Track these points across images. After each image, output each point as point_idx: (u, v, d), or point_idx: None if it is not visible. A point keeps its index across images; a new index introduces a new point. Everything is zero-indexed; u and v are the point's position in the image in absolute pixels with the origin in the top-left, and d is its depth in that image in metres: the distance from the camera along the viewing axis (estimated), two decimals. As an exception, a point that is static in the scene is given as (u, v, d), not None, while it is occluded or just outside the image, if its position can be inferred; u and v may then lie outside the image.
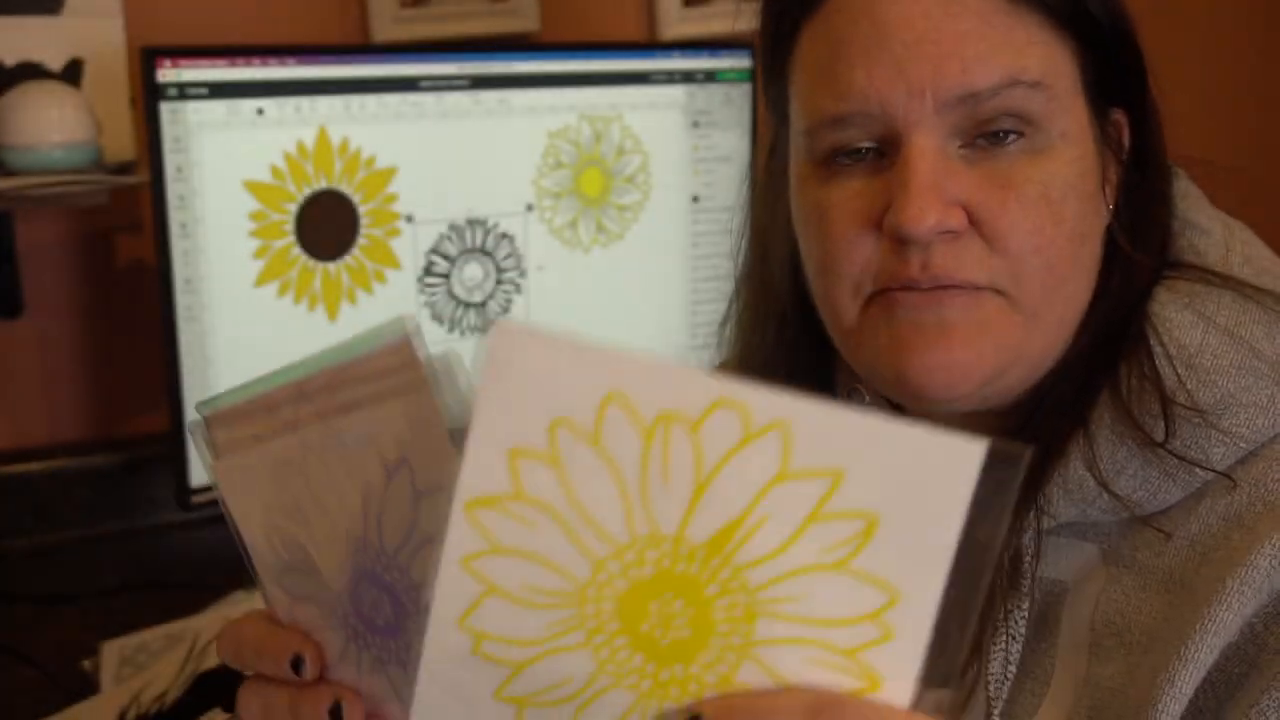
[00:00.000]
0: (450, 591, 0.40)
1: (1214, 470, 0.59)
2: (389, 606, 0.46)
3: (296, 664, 0.48)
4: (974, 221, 0.60)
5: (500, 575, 0.40)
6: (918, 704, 0.39)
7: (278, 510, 0.49)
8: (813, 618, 0.39)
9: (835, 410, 0.37)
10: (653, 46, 1.62)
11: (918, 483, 0.37)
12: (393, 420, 0.44)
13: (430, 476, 0.43)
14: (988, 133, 0.60)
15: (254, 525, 0.50)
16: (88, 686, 1.12)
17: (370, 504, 0.46)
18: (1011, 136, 0.60)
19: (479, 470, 0.39)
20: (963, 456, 0.36)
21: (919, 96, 0.59)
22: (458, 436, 0.40)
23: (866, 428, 0.37)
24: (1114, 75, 0.64)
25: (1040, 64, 0.60)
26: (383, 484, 0.45)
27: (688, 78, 1.49)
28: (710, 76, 1.50)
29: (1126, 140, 0.66)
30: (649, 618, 0.40)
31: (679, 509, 0.38)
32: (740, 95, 1.50)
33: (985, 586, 0.38)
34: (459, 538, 0.39)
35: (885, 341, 0.62)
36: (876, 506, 0.37)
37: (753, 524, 0.38)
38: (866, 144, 0.61)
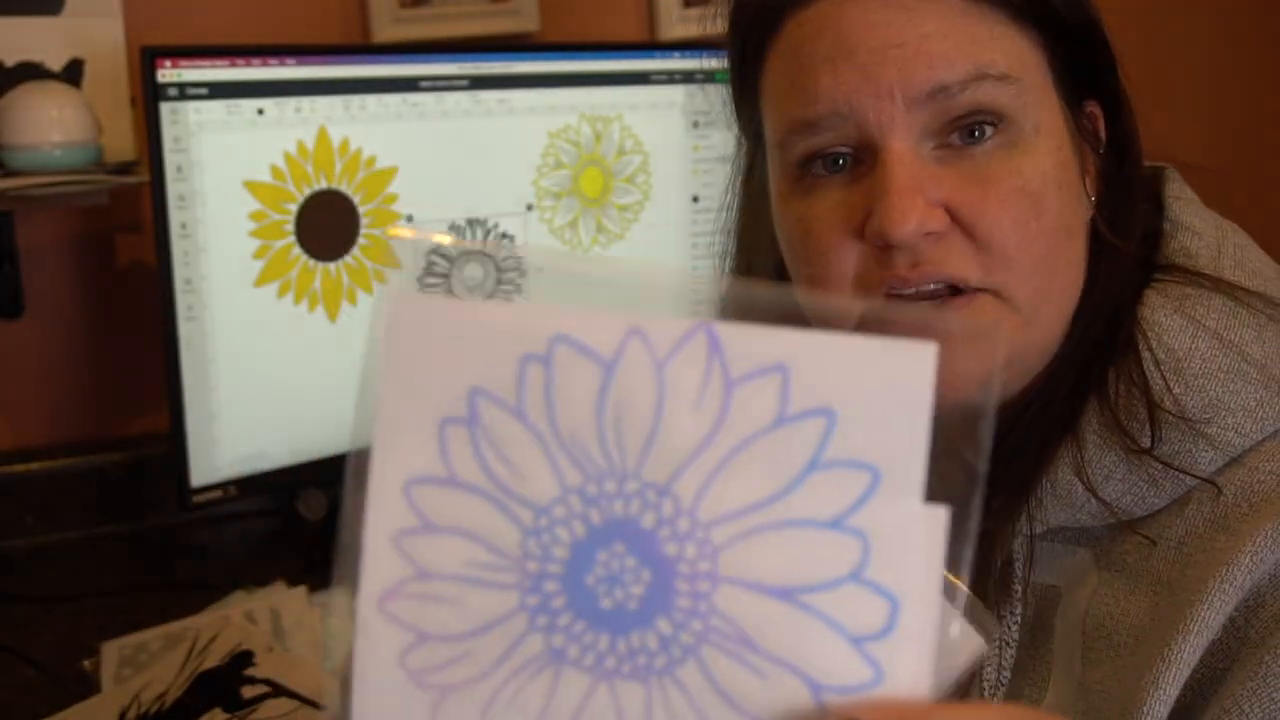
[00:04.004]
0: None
1: (1200, 478, 0.59)
2: (644, 573, 0.39)
3: None
4: (956, 221, 0.60)
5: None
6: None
7: (479, 377, 0.39)
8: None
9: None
10: (653, 46, 1.62)
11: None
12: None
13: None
14: (962, 129, 0.60)
15: (410, 400, 0.40)
16: (88, 686, 1.12)
17: (605, 394, 0.39)
18: (986, 131, 0.60)
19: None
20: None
21: (888, 98, 0.59)
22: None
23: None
24: (1083, 67, 0.64)
25: (1006, 58, 0.60)
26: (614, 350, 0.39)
27: (688, 78, 1.49)
28: (710, 76, 1.50)
29: (1103, 131, 0.67)
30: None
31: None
32: (740, 95, 1.50)
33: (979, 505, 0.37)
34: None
35: None
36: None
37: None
38: (840, 149, 0.61)
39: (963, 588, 0.39)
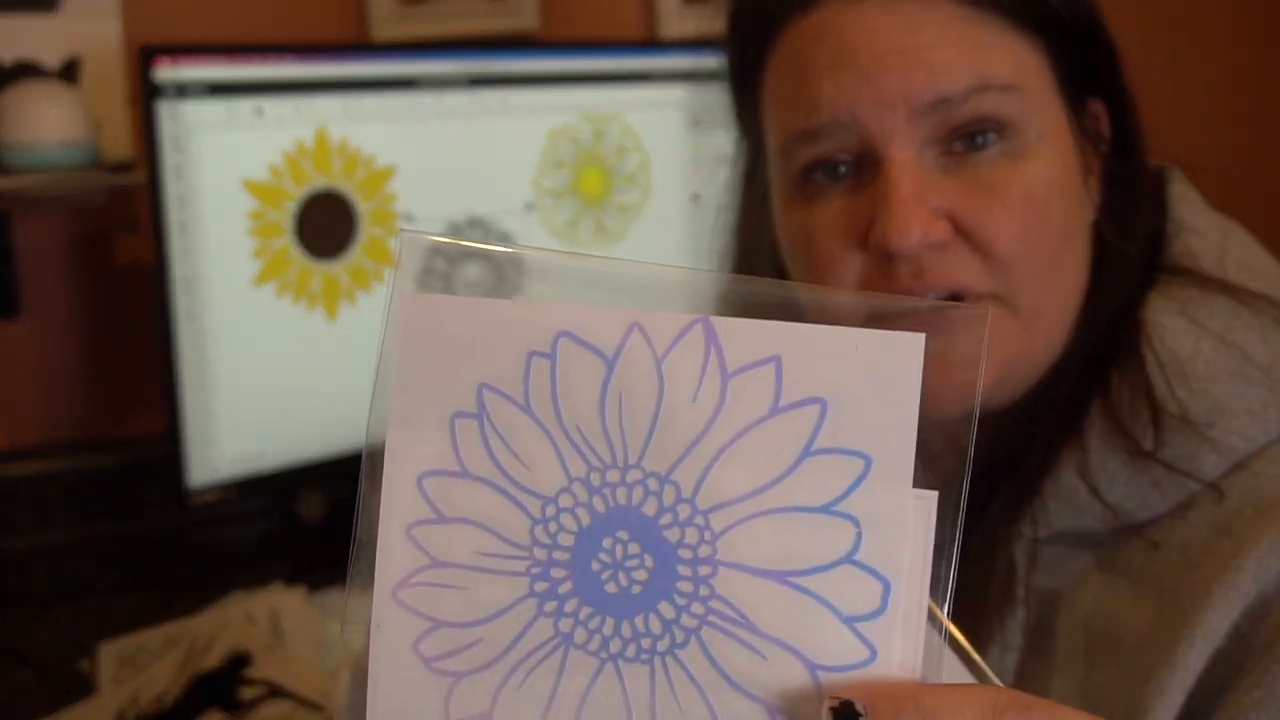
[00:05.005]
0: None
1: (1203, 482, 0.59)
2: (647, 558, 0.40)
3: None
4: (960, 230, 0.59)
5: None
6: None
7: (487, 372, 0.40)
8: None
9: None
10: (653, 45, 1.62)
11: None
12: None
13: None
14: (964, 138, 0.60)
15: (422, 396, 0.41)
16: (85, 687, 1.12)
17: (610, 384, 0.40)
18: (989, 140, 0.60)
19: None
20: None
21: (890, 107, 0.59)
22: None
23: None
24: (1086, 67, 0.64)
25: (1008, 67, 0.60)
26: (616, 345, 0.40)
27: (688, 77, 1.49)
28: (710, 76, 1.50)
29: (1106, 129, 0.66)
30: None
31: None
32: (740, 94, 1.50)
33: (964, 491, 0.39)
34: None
35: None
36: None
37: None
38: (842, 159, 0.61)
39: (942, 616, 0.40)
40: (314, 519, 1.39)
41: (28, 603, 1.27)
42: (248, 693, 1.08)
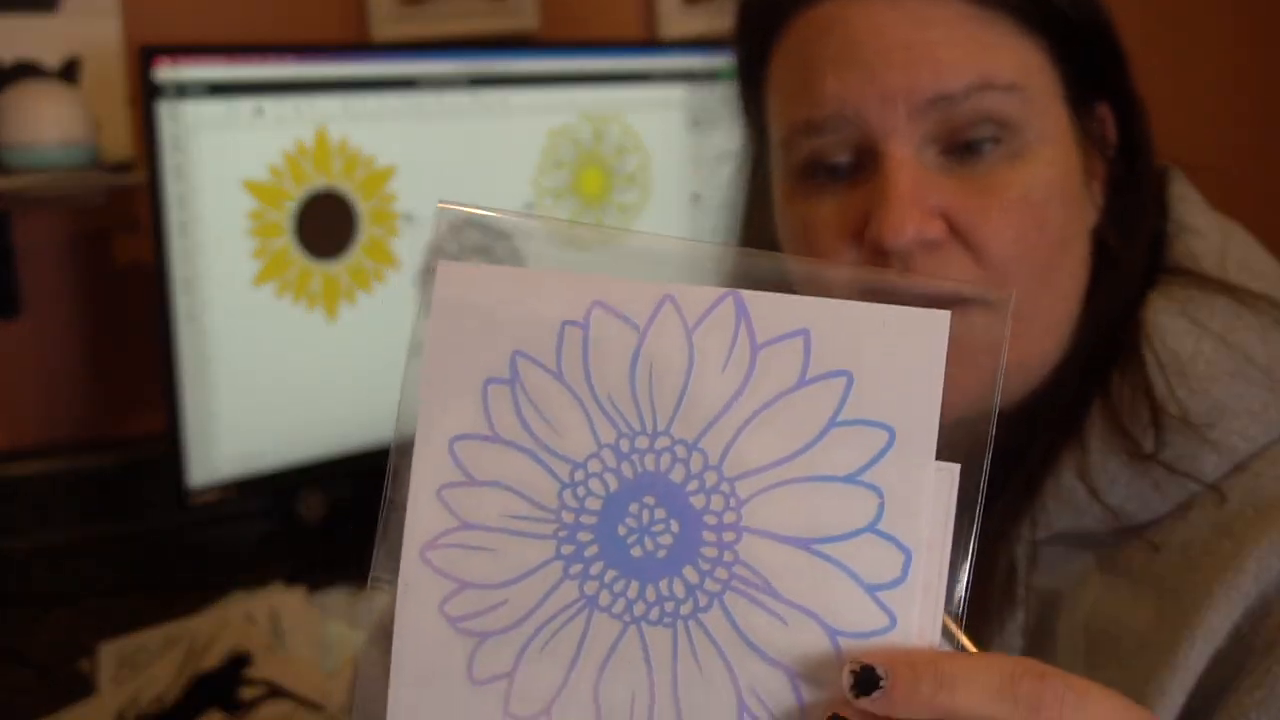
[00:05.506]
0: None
1: (1204, 483, 0.59)
2: (673, 524, 0.41)
3: None
4: (955, 230, 0.59)
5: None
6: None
7: (521, 340, 0.41)
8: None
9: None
10: (653, 45, 1.62)
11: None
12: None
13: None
14: (965, 138, 0.59)
15: (455, 362, 0.42)
16: (85, 688, 1.11)
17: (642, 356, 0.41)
18: (990, 141, 0.59)
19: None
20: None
21: (892, 103, 0.59)
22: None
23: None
24: (1093, 69, 0.64)
25: (1012, 67, 0.60)
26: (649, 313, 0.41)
27: (688, 77, 1.49)
28: (710, 75, 1.49)
29: (1113, 134, 0.66)
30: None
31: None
32: (740, 94, 1.50)
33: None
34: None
35: None
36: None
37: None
38: (843, 157, 0.61)
39: (953, 626, 0.40)
40: (314, 519, 1.39)
41: (28, 603, 1.27)
42: (248, 693, 1.08)
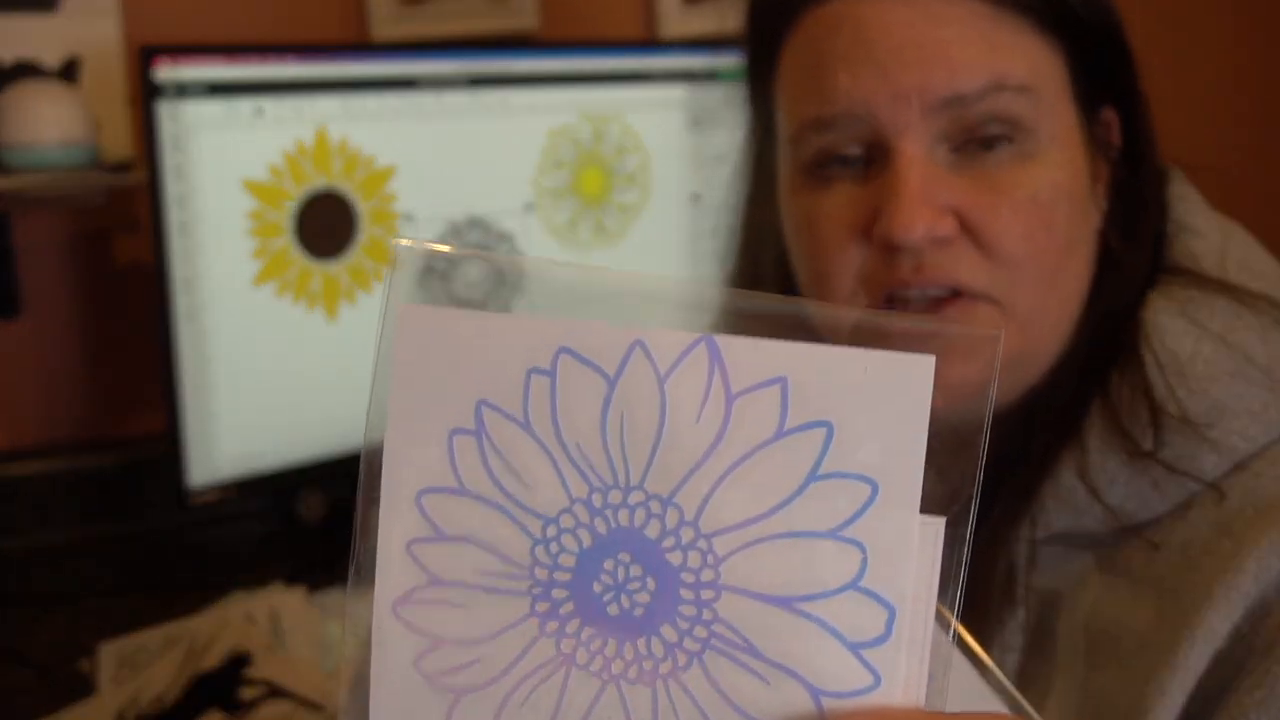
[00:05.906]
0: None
1: (1203, 482, 0.59)
2: (649, 581, 0.40)
3: None
4: (965, 228, 0.59)
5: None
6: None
7: (485, 389, 0.40)
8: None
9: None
10: (653, 45, 1.62)
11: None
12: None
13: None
14: (976, 137, 0.59)
15: (420, 411, 0.41)
16: (85, 687, 1.11)
17: (611, 405, 0.39)
18: (1001, 140, 0.60)
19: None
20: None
21: (904, 101, 0.59)
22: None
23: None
24: (1103, 73, 0.64)
25: (1026, 68, 0.60)
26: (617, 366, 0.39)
27: (688, 77, 1.49)
28: (710, 75, 1.49)
29: (1117, 138, 0.66)
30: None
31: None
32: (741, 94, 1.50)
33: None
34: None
35: None
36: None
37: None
38: (853, 150, 0.61)
39: (953, 621, 0.39)
40: (314, 519, 1.39)
41: (28, 603, 1.27)
42: (248, 693, 1.08)
